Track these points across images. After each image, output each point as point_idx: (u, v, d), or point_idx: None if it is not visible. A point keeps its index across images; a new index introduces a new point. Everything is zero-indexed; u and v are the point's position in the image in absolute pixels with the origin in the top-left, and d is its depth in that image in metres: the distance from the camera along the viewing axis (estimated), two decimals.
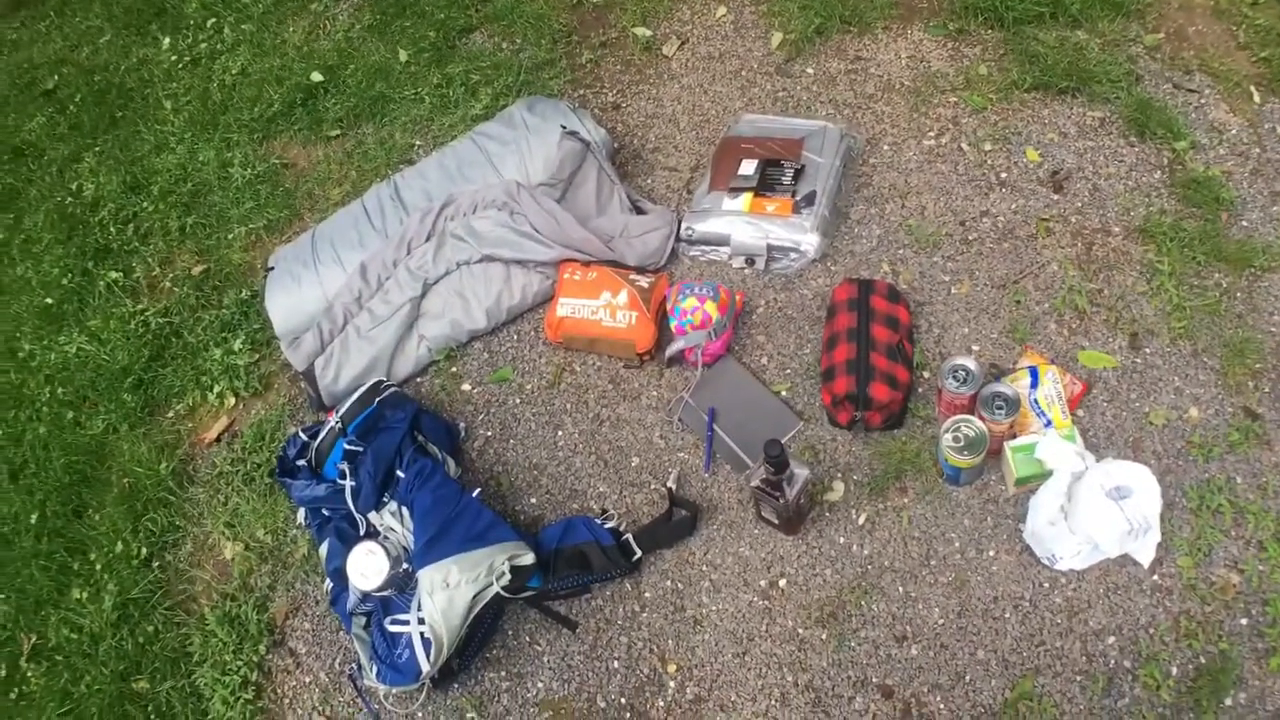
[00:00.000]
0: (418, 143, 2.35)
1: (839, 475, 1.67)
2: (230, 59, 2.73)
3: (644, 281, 1.87)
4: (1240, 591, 1.46)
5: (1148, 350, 1.71)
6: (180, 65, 2.80)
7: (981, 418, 1.55)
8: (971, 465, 1.53)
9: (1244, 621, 1.44)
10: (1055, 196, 1.91)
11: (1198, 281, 1.77)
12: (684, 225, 1.94)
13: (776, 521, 1.57)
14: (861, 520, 1.62)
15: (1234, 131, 1.93)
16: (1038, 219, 1.89)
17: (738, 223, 1.89)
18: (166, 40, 2.90)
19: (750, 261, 1.92)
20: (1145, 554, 1.47)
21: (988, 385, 1.58)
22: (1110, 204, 1.88)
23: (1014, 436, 1.59)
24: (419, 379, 1.97)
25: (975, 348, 1.76)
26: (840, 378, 1.64)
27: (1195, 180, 1.87)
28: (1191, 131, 1.93)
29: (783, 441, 1.57)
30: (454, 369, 1.96)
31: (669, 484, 1.70)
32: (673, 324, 1.77)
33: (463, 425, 1.87)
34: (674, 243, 1.96)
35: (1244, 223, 1.83)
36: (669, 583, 1.63)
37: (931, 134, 2.05)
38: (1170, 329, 1.72)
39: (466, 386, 1.93)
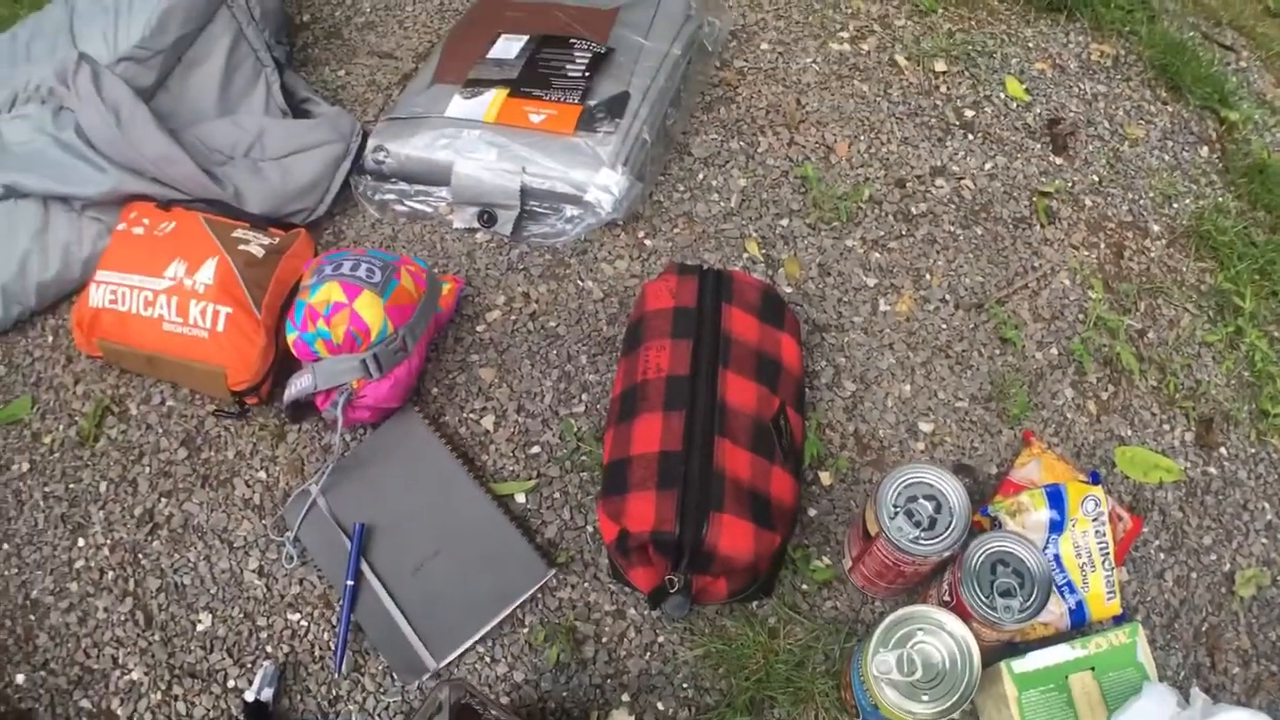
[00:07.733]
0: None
1: (622, 702, 0.72)
2: None
3: (260, 243, 0.89)
4: None
5: (1223, 452, 0.89)
6: None
7: (966, 612, 0.64)
8: (921, 716, 0.61)
9: None
10: (1057, 160, 1.07)
11: None
12: (371, 145, 0.99)
13: None
14: None
15: None
16: (1034, 191, 1.04)
17: (471, 141, 0.95)
18: None
19: (488, 219, 0.97)
20: None
21: (981, 538, 0.67)
22: (1142, 185, 1.07)
23: (1016, 644, 0.70)
24: None
25: (927, 427, 0.87)
26: (641, 492, 0.70)
27: (1261, 168, 1.10)
28: (1240, 102, 1.17)
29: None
30: None
31: (249, 693, 0.71)
32: (292, 337, 0.79)
33: None
34: (348, 174, 1.00)
35: None
36: None
37: (845, 33, 1.18)
38: (1258, 416, 0.91)
39: None
